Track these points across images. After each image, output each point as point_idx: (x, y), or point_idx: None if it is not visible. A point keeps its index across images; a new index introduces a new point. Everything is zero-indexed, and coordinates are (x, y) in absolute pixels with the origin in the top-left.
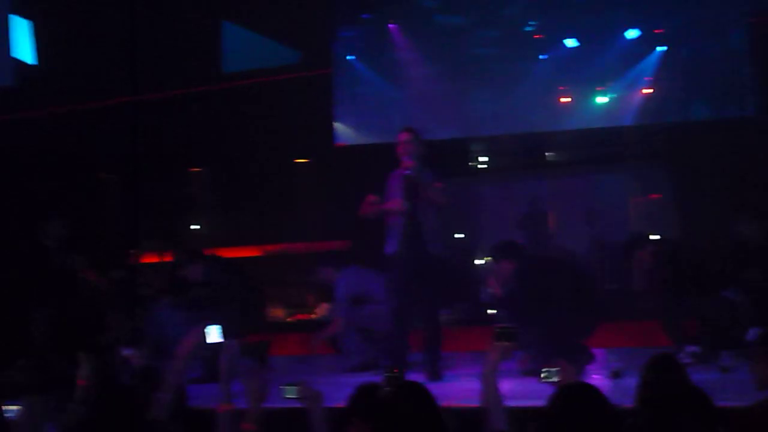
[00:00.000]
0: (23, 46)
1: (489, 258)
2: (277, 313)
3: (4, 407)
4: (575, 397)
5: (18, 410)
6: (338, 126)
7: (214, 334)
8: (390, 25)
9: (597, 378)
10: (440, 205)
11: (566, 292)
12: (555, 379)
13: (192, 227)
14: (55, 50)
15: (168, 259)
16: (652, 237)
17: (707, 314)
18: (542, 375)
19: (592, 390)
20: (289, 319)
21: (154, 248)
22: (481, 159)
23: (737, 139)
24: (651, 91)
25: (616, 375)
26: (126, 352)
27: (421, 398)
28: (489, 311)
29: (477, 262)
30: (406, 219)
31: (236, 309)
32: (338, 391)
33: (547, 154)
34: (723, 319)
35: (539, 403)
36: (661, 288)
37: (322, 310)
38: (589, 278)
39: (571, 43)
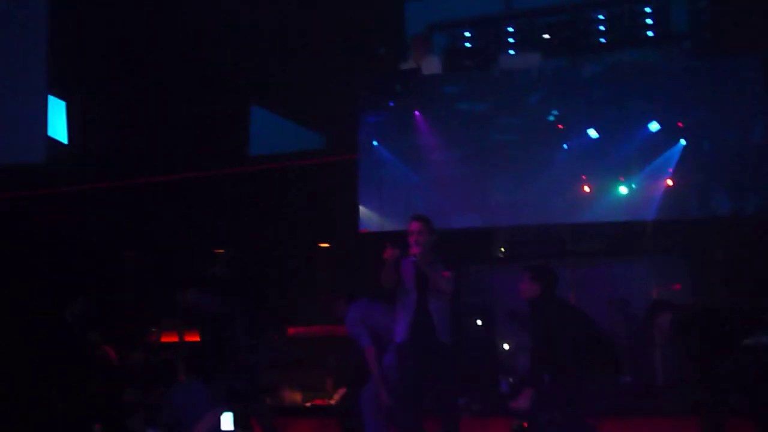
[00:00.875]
0: (57, 125)
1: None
2: (295, 397)
3: None
4: None
5: None
6: (363, 210)
7: (228, 420)
8: (415, 112)
9: None
10: (446, 295)
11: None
12: None
13: None
14: (87, 130)
15: (188, 338)
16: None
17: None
18: None
19: None
20: (306, 404)
21: (174, 327)
22: (502, 248)
23: (758, 235)
24: (672, 183)
25: None
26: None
27: None
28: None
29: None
30: (415, 308)
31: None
32: None
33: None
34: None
35: None
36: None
37: (339, 395)
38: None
39: (592, 133)
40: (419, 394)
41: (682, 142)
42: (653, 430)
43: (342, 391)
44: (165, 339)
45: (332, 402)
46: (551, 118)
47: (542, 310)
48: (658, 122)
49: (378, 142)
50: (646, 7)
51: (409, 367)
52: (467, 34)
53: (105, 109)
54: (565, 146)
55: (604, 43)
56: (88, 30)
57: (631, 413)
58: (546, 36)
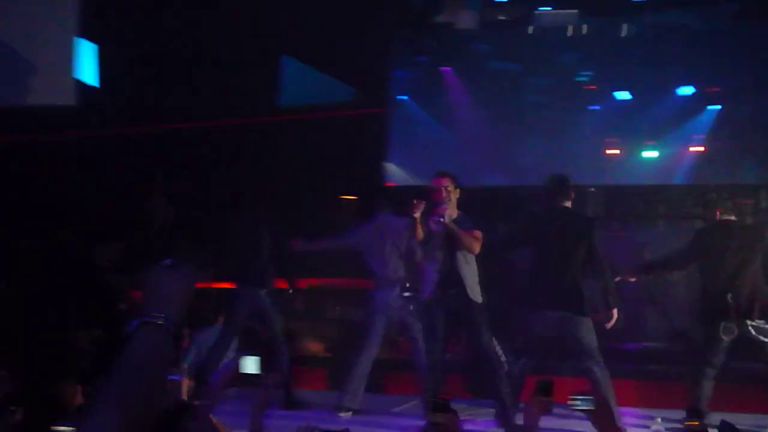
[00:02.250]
0: (87, 68)
1: None
2: (315, 347)
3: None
4: None
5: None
6: (389, 166)
7: (254, 364)
8: (443, 68)
9: None
10: (474, 254)
11: None
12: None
13: None
14: (120, 74)
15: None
16: None
17: None
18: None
19: None
20: (326, 354)
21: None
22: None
23: None
24: (702, 149)
25: None
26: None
27: None
28: None
29: None
30: (442, 265)
31: None
32: None
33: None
34: None
35: None
36: None
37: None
38: None
39: (623, 95)
40: (442, 353)
41: (716, 107)
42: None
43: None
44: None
45: None
46: (583, 78)
47: None
48: (694, 86)
49: (407, 97)
50: None
51: (435, 326)
52: None
53: (136, 54)
54: (597, 108)
55: (644, 2)
56: None
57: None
58: None
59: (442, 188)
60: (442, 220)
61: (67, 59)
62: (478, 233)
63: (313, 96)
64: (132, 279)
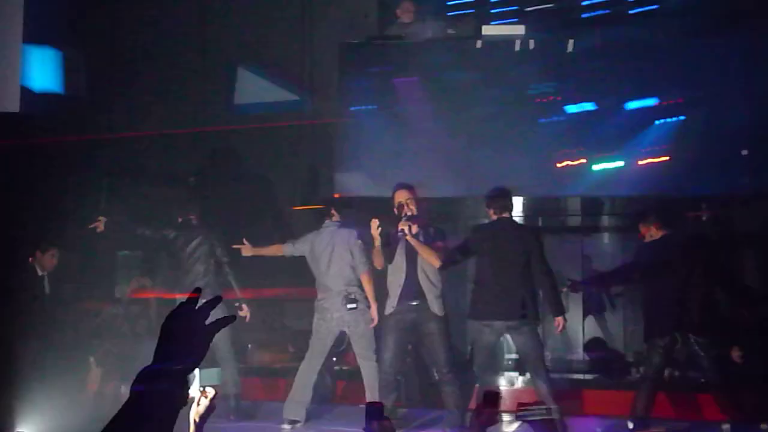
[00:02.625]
0: (45, 74)
1: None
2: (268, 357)
3: None
4: None
5: None
6: (342, 176)
7: (210, 376)
8: (399, 79)
9: None
10: (436, 266)
11: None
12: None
13: None
14: (82, 81)
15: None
16: None
17: None
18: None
19: None
20: (276, 365)
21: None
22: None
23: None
24: (661, 159)
25: None
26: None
27: None
28: None
29: None
30: (405, 279)
31: None
32: None
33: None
34: None
35: None
36: None
37: None
38: None
39: (577, 107)
40: (398, 366)
41: (679, 117)
42: None
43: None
44: (137, 295)
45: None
46: (547, 89)
47: None
48: (656, 97)
49: (362, 108)
50: None
51: (396, 339)
52: (455, 2)
53: (100, 61)
54: (553, 119)
55: (599, 16)
56: None
57: None
58: (534, 8)
59: (404, 201)
60: (402, 233)
61: (12, 65)
62: (439, 245)
63: (266, 106)
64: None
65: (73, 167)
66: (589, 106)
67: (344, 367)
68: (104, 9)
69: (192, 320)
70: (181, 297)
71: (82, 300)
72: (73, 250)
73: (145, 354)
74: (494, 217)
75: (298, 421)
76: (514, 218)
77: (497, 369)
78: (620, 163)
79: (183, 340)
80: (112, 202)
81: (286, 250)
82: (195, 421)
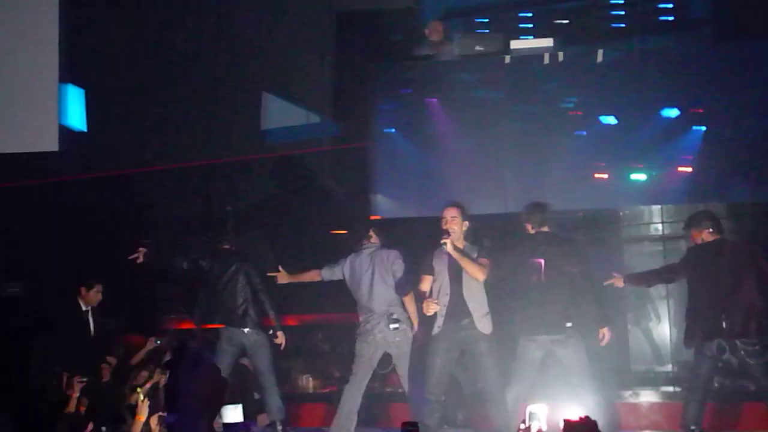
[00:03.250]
0: (74, 112)
1: None
2: (311, 383)
3: None
4: None
5: None
6: (377, 198)
7: (233, 414)
8: (428, 99)
9: None
10: (480, 280)
11: None
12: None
13: None
14: (105, 117)
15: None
16: None
17: None
18: None
19: None
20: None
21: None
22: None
23: None
24: (689, 170)
25: None
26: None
27: None
28: None
29: None
30: (450, 297)
31: None
32: None
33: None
34: None
35: None
36: None
37: None
38: None
39: (608, 120)
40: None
41: (702, 128)
42: None
43: None
44: (182, 326)
45: None
46: (569, 105)
47: None
48: (678, 108)
49: (393, 130)
50: None
51: (443, 360)
52: (483, 20)
53: (123, 98)
54: (578, 132)
55: (621, 28)
56: (104, 19)
57: None
58: (562, 21)
59: (449, 218)
60: (444, 248)
61: (50, 104)
62: (485, 261)
63: (297, 133)
64: (119, 323)
65: (110, 201)
66: (616, 119)
67: (388, 389)
68: (125, 45)
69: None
70: (219, 326)
71: (127, 333)
72: (115, 284)
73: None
74: (532, 232)
75: None
76: (552, 232)
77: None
78: (653, 173)
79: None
80: (149, 234)
81: (324, 274)
82: None
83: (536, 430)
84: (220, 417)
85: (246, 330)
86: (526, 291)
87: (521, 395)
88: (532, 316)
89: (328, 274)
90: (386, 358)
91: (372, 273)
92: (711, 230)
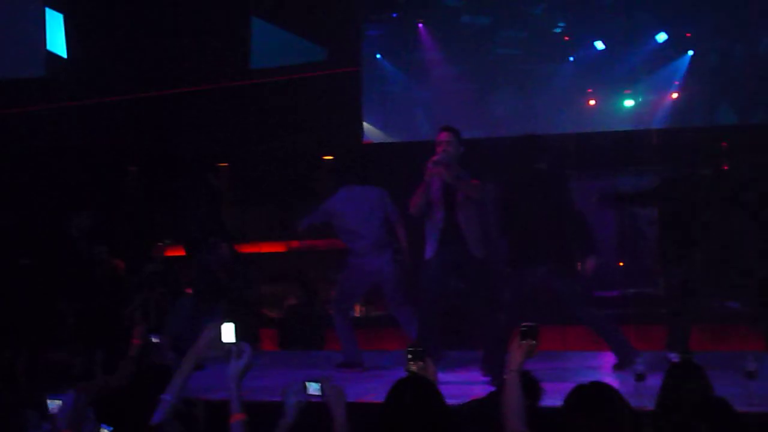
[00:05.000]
0: (55, 38)
1: None
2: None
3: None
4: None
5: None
6: (365, 124)
7: (229, 332)
8: (418, 24)
9: (621, 379)
10: (476, 201)
11: None
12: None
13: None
14: (86, 43)
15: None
16: None
17: None
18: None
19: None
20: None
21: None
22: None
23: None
24: (678, 95)
25: (639, 378)
26: (155, 338)
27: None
28: None
29: None
30: (444, 222)
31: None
32: (358, 385)
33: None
34: None
35: None
36: None
37: None
38: None
39: (599, 45)
40: (438, 312)
41: (689, 53)
42: None
43: None
44: (170, 253)
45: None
46: (557, 30)
47: None
48: (666, 32)
49: (380, 55)
50: None
51: (439, 282)
52: None
53: (104, 22)
54: (570, 58)
55: None
56: None
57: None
58: None
59: (445, 142)
60: (440, 172)
61: (36, 29)
62: (476, 181)
63: (284, 57)
64: (109, 250)
65: (96, 129)
66: (604, 44)
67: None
68: None
69: None
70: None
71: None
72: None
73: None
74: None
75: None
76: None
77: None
78: (641, 98)
79: None
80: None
81: (319, 215)
82: (237, 377)
83: (528, 347)
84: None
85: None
86: (520, 224)
87: (512, 321)
88: (526, 248)
89: (321, 214)
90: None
91: (363, 209)
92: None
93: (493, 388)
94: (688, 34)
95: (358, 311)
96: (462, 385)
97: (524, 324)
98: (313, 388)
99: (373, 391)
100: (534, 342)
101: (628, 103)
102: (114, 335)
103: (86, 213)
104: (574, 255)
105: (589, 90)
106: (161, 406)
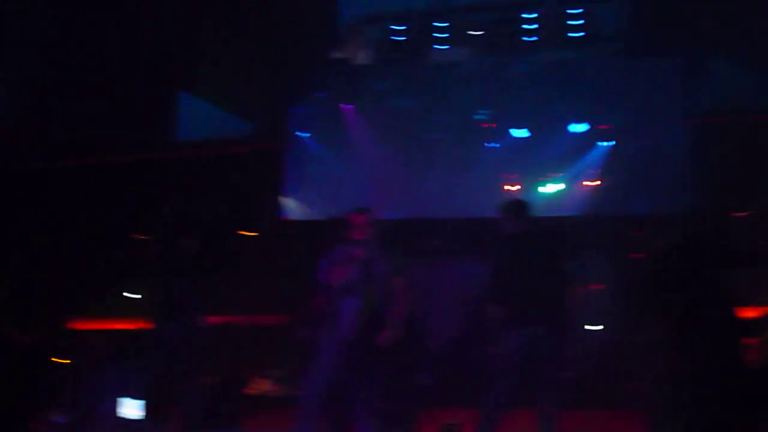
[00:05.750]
0: None
1: None
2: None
3: None
4: None
5: None
6: (288, 201)
7: (134, 407)
8: (343, 105)
9: None
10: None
11: None
12: None
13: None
14: (10, 111)
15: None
16: None
17: None
18: None
19: None
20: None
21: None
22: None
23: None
24: (596, 183)
25: None
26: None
27: None
28: None
29: None
30: (364, 303)
31: None
32: None
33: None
34: None
35: None
36: None
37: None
38: None
39: (520, 133)
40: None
41: (608, 143)
42: None
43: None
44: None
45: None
46: (482, 116)
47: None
48: (587, 123)
49: (306, 134)
50: (576, 8)
51: (360, 363)
52: (399, 27)
53: (30, 91)
54: (491, 144)
55: (533, 41)
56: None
57: None
58: (476, 33)
59: (364, 225)
60: (362, 256)
61: None
62: (399, 281)
63: (210, 131)
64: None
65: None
66: (527, 132)
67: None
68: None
69: None
70: None
71: None
72: None
73: None
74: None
75: None
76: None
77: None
78: (562, 186)
79: None
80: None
81: None
82: None
83: None
84: None
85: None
86: (517, 286)
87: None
88: (523, 309)
89: None
90: None
91: None
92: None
93: None
94: (608, 126)
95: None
96: None
97: (447, 423)
98: None
99: None
100: None
101: (549, 188)
102: None
103: None
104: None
105: (511, 176)
106: None
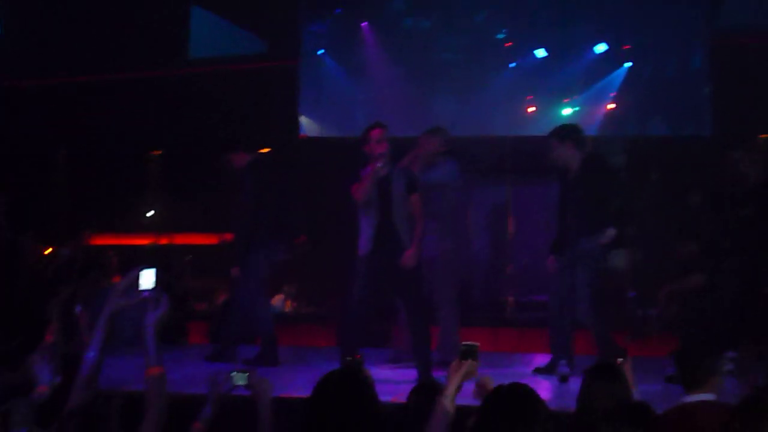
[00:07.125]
0: None
1: None
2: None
3: None
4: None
5: None
6: (302, 118)
7: (148, 278)
8: (361, 24)
9: (545, 381)
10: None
11: None
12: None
13: (147, 213)
14: (22, 23)
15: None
16: None
17: None
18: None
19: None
20: None
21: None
22: None
23: (690, 157)
24: (614, 105)
25: (563, 379)
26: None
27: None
28: None
29: None
30: (379, 218)
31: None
32: (282, 379)
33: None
34: None
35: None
36: None
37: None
38: None
39: (540, 53)
40: (368, 307)
41: (627, 64)
42: None
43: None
44: (98, 242)
45: None
46: (499, 36)
47: None
48: (606, 43)
49: (322, 51)
50: None
51: (373, 278)
52: None
53: (41, 2)
54: (511, 65)
55: None
56: None
57: None
58: None
59: (380, 140)
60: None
61: None
62: (416, 198)
63: (224, 48)
64: (33, 235)
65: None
66: (546, 52)
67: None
68: None
69: None
70: None
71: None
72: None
73: None
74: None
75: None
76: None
77: None
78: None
79: None
80: None
81: None
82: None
83: (468, 367)
84: None
85: None
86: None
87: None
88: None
89: None
90: None
91: None
92: None
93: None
94: (627, 46)
95: (288, 306)
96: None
97: (464, 343)
98: (240, 378)
99: (302, 386)
100: (475, 362)
101: (567, 111)
102: (33, 327)
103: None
104: None
105: (529, 97)
106: (85, 364)
